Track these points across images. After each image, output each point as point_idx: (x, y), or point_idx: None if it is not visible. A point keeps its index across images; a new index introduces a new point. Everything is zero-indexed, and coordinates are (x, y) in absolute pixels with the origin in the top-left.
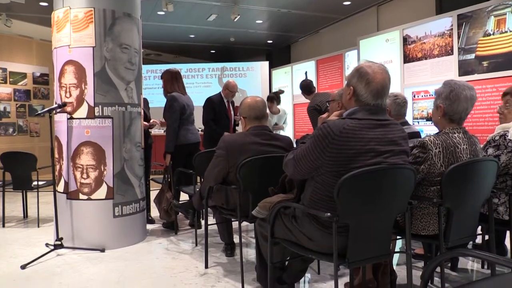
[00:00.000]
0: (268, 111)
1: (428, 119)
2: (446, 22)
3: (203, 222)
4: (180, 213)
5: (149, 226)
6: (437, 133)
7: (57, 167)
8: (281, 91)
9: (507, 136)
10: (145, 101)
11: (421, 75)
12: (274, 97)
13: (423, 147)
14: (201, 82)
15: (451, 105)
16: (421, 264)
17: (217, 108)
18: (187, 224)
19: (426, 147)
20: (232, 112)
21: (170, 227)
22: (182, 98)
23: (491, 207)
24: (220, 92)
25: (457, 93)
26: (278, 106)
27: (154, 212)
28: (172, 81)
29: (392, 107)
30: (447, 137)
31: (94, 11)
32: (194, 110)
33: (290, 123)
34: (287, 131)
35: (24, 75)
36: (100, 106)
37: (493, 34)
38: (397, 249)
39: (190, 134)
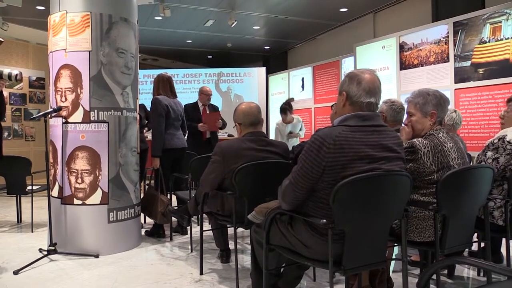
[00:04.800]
0: (280, 121)
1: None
2: (442, 29)
3: (194, 229)
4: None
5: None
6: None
7: (52, 171)
8: (292, 99)
9: (506, 138)
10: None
11: (417, 82)
12: (287, 108)
13: (413, 147)
14: (198, 88)
15: (443, 110)
16: (417, 271)
17: (190, 113)
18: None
19: (415, 147)
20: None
21: (152, 235)
22: (167, 100)
23: (487, 214)
24: (197, 100)
25: (445, 99)
26: (292, 115)
27: (147, 219)
28: (158, 85)
29: (388, 113)
30: (434, 138)
31: (91, 15)
32: (183, 116)
33: None
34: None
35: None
36: (95, 111)
37: (489, 41)
38: (394, 256)
39: (176, 139)
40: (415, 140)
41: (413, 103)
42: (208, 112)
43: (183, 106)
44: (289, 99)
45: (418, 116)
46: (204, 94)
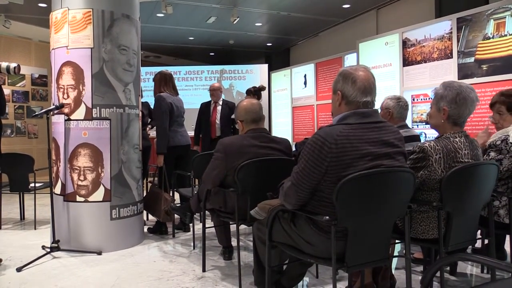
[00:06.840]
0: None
1: (427, 122)
2: (445, 25)
3: (197, 226)
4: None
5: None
6: (437, 137)
7: (54, 169)
8: (263, 88)
9: (509, 140)
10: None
11: (421, 78)
12: (252, 91)
13: (423, 153)
14: (200, 85)
15: (457, 109)
16: (420, 268)
17: (202, 112)
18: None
19: (426, 153)
20: (217, 115)
21: (154, 232)
22: (170, 98)
23: (491, 211)
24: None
25: (464, 96)
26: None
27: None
28: (160, 83)
29: (396, 109)
30: (448, 142)
31: (93, 12)
32: (184, 113)
33: (289, 125)
34: (285, 133)
35: (22, 77)
36: (97, 108)
37: (493, 37)
38: (396, 253)
39: (179, 136)
40: (426, 144)
41: (435, 94)
42: (219, 111)
43: (200, 104)
44: (260, 86)
45: (433, 110)
46: (209, 91)
